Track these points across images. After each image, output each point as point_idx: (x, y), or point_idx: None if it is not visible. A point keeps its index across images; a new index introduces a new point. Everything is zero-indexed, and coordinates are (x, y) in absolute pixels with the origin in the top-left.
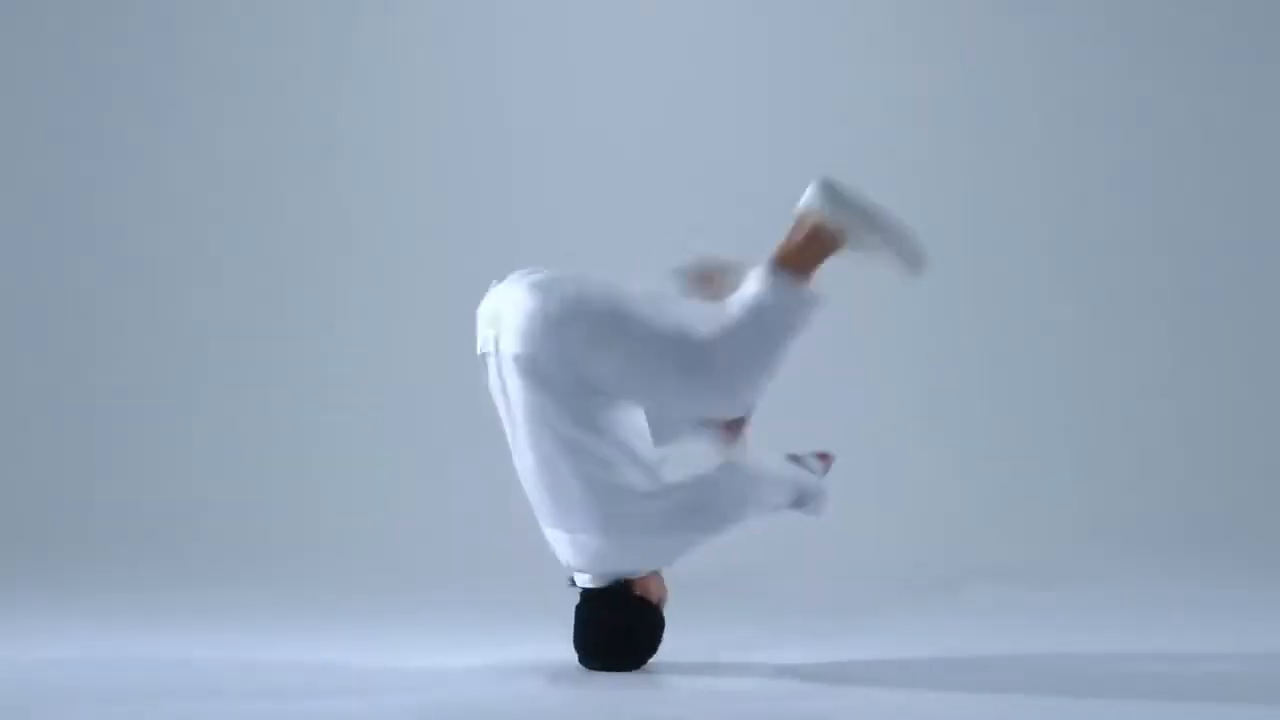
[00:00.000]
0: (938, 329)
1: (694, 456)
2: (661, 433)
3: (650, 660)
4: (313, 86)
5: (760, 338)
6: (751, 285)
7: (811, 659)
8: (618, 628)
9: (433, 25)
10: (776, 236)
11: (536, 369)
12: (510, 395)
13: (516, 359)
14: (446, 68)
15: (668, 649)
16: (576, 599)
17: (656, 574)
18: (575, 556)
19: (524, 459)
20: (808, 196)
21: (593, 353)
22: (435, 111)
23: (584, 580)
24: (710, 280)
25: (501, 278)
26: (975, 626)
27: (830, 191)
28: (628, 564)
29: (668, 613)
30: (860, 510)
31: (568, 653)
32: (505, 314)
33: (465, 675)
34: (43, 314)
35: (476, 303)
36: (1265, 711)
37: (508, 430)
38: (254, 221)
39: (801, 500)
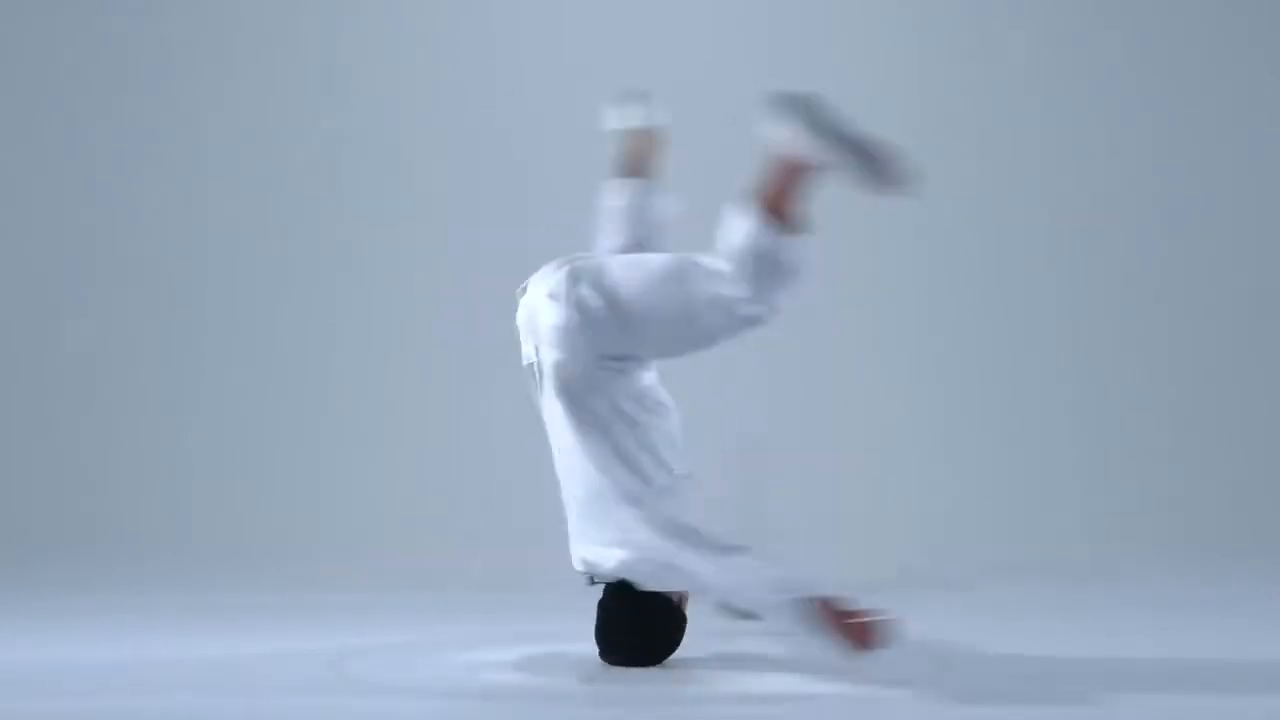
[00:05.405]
0: (944, 328)
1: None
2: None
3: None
4: (313, 84)
5: (768, 279)
6: (739, 236)
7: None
8: (637, 624)
9: (432, 24)
10: None
11: (573, 375)
12: (552, 401)
13: (556, 366)
14: (446, 65)
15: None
16: (598, 596)
17: None
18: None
19: (565, 461)
20: (776, 121)
21: (624, 339)
22: (435, 108)
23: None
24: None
25: (524, 281)
26: (988, 625)
27: (800, 113)
28: (599, 559)
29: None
30: (868, 510)
31: (590, 646)
32: (539, 324)
33: (492, 668)
34: (43, 313)
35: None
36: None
37: (552, 435)
38: (254, 221)
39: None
